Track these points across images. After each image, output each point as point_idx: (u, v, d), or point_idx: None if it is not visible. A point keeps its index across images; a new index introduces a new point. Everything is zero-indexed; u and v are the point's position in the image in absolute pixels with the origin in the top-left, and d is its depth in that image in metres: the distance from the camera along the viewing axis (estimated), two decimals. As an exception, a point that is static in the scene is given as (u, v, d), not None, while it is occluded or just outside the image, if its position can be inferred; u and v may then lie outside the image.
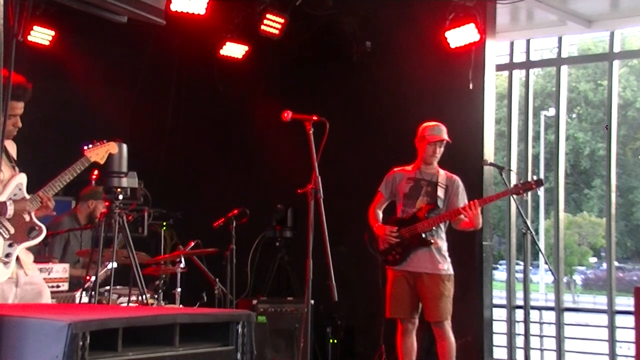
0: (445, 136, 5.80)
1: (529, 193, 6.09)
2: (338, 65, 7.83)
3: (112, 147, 4.49)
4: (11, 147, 4.20)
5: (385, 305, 5.85)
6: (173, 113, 8.82)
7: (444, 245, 5.80)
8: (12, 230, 4.02)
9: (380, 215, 5.96)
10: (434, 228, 5.75)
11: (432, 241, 5.71)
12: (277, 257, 7.62)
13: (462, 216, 5.67)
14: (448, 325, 5.72)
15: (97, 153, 4.40)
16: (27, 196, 4.10)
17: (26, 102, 4.11)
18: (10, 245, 4.01)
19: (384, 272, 5.93)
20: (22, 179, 4.14)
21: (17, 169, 4.17)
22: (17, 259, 4.04)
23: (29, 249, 4.17)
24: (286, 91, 7.86)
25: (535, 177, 5.72)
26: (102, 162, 4.44)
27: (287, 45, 7.54)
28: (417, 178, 5.87)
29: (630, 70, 24.81)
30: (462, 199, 5.83)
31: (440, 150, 5.83)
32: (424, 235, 5.73)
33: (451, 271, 5.78)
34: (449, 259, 5.79)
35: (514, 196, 5.75)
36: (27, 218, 4.09)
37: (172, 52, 8.60)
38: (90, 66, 8.05)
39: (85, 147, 4.37)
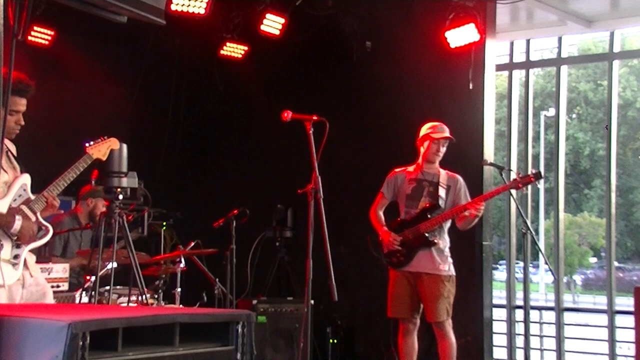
0: (449, 134, 5.81)
1: (529, 188, 6.08)
2: (338, 65, 7.83)
3: (113, 143, 4.49)
4: (11, 148, 4.19)
5: (387, 305, 5.85)
6: (173, 113, 8.82)
7: (446, 245, 5.79)
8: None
9: (382, 217, 5.95)
10: (436, 228, 5.74)
11: (435, 241, 5.71)
12: (277, 257, 7.61)
13: (466, 212, 5.66)
14: (449, 325, 5.71)
15: (99, 150, 4.39)
16: (32, 197, 4.09)
17: (29, 99, 4.09)
18: (17, 247, 4.00)
19: (387, 272, 5.93)
20: (26, 179, 4.13)
21: (19, 169, 4.17)
22: (24, 260, 4.04)
23: (32, 250, 4.17)
24: (286, 91, 7.86)
25: (534, 170, 5.68)
26: (104, 158, 4.44)
27: (287, 45, 7.54)
28: (419, 179, 5.87)
29: (630, 70, 24.82)
30: (466, 199, 5.82)
31: (443, 149, 5.83)
32: (427, 235, 5.73)
33: (452, 272, 5.77)
34: (450, 260, 5.78)
35: (514, 194, 5.74)
36: (34, 219, 4.08)
37: (172, 52, 8.60)
38: (90, 66, 8.05)
39: (87, 145, 4.37)
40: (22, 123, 4.09)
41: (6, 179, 4.04)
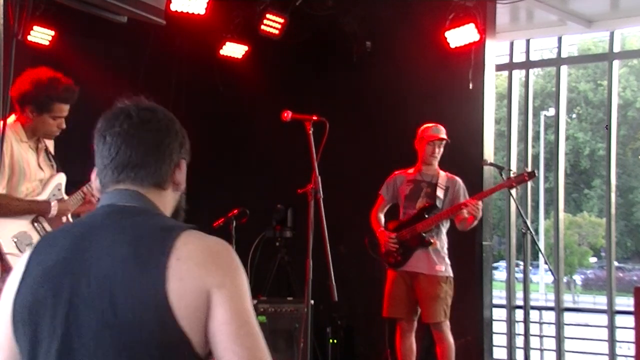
0: (444, 135, 5.81)
1: (529, 187, 6.07)
2: (338, 65, 7.83)
3: None
4: (50, 145, 4.20)
5: (383, 304, 5.85)
6: (173, 113, 8.77)
7: (444, 246, 5.79)
8: (49, 230, 4.01)
9: (382, 219, 5.96)
10: (433, 227, 5.74)
11: (432, 241, 5.71)
12: (277, 257, 7.61)
13: (464, 212, 5.64)
14: (446, 327, 5.71)
15: None
16: (66, 197, 4.10)
17: (72, 105, 4.14)
18: None
19: (385, 272, 5.93)
20: (61, 179, 4.13)
21: (55, 168, 4.17)
22: None
23: None
24: (286, 91, 7.85)
25: (528, 170, 5.69)
26: None
27: (287, 45, 7.54)
28: (417, 180, 5.88)
29: (630, 70, 24.86)
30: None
31: (439, 150, 5.83)
32: (423, 235, 5.73)
33: (449, 273, 5.76)
34: (448, 261, 5.78)
35: (514, 193, 5.76)
36: (64, 219, 4.08)
37: (172, 52, 8.59)
38: (90, 66, 8.04)
39: None
40: (64, 126, 4.14)
41: (42, 176, 4.05)
